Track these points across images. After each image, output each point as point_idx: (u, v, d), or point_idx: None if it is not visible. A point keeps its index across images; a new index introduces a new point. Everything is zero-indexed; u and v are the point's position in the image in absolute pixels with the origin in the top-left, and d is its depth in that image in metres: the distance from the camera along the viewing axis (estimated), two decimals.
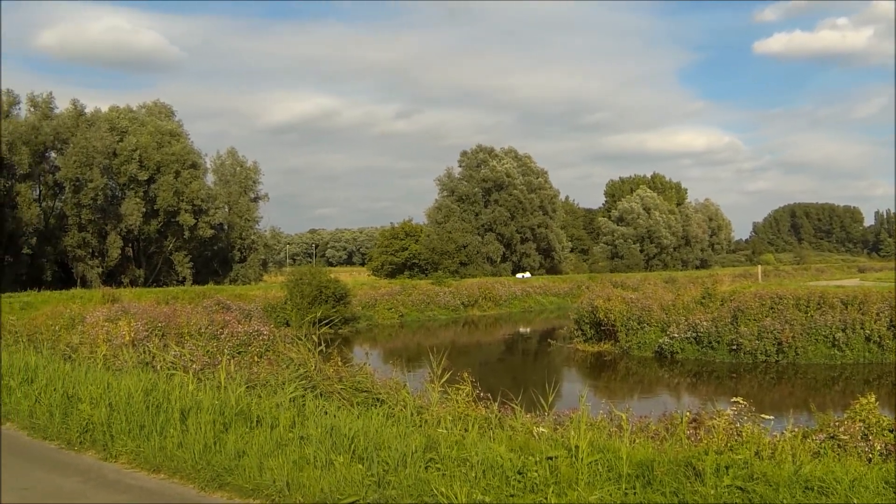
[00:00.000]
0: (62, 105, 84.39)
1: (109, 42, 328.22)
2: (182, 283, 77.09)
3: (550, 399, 11.84)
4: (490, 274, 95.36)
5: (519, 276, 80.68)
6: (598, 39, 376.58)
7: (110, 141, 79.30)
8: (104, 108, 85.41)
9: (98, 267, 77.08)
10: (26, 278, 69.56)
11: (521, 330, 57.96)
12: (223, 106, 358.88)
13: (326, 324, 42.67)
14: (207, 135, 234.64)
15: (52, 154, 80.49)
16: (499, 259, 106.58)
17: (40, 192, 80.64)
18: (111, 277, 74.27)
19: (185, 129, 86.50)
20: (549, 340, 42.49)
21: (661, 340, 33.85)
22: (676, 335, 33.22)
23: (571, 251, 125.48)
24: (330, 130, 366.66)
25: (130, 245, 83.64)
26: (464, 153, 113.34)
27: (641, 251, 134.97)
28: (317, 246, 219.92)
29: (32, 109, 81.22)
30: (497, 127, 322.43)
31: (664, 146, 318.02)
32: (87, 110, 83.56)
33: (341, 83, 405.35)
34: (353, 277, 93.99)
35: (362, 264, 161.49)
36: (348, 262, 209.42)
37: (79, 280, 74.13)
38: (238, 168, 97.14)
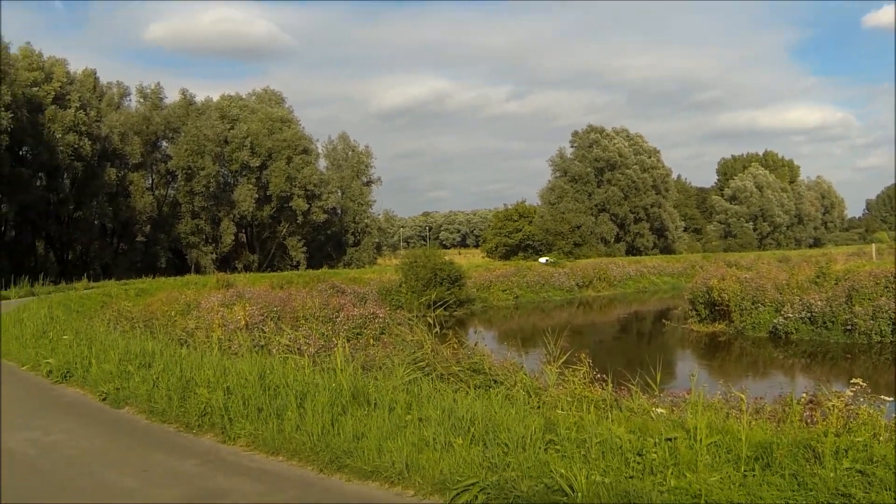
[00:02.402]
0: (172, 95, 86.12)
1: (221, 32, 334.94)
2: (296, 267, 78.09)
3: (665, 380, 11.65)
4: (604, 254, 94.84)
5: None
6: (709, 18, 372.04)
7: (221, 129, 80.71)
8: (215, 98, 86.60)
9: (212, 253, 78.55)
10: (141, 265, 71.18)
11: (636, 310, 57.49)
12: (334, 92, 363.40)
13: (441, 306, 43.05)
14: (319, 121, 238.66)
15: (164, 143, 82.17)
16: (612, 239, 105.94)
17: (153, 180, 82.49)
18: (225, 263, 75.60)
19: (295, 116, 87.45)
20: (663, 321, 42.24)
21: (775, 321, 33.42)
22: (791, 315, 32.80)
23: (685, 231, 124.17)
24: (441, 114, 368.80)
25: (244, 231, 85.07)
26: (575, 133, 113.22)
27: (754, 230, 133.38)
28: (430, 229, 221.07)
29: (142, 100, 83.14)
30: (608, 107, 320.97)
31: (776, 123, 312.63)
32: (197, 100, 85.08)
33: (453, 67, 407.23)
34: (467, 259, 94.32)
35: (476, 246, 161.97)
36: (462, 244, 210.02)
37: (193, 266, 75.66)
38: (350, 152, 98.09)
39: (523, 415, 10.13)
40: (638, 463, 8.39)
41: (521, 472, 8.50)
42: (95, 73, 76.65)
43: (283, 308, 25.49)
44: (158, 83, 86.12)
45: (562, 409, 10.65)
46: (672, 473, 8.06)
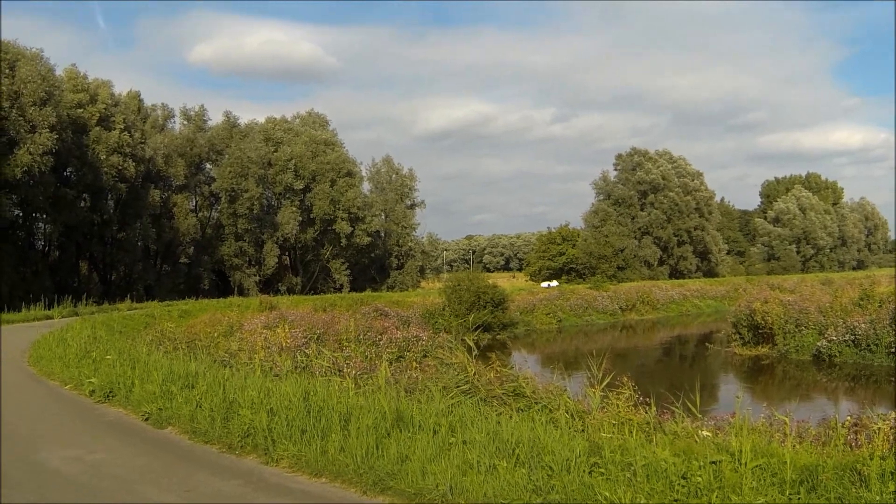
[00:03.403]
0: (215, 117, 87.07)
1: (266, 54, 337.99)
2: (339, 290, 78.47)
3: (709, 403, 11.64)
4: (647, 278, 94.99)
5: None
6: (752, 37, 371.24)
7: (265, 151, 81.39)
8: (260, 120, 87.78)
9: (255, 275, 79.04)
10: (184, 287, 71.75)
11: (679, 333, 57.26)
12: (378, 114, 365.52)
13: (485, 329, 43.00)
14: (363, 143, 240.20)
15: (208, 165, 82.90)
16: (656, 262, 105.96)
17: (196, 202, 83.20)
18: (268, 285, 76.08)
19: (339, 138, 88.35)
20: (706, 344, 42.12)
21: (818, 343, 33.21)
22: (834, 338, 32.69)
23: (728, 253, 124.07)
24: (486, 136, 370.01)
25: (287, 253, 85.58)
26: (619, 156, 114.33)
27: (798, 252, 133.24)
28: (474, 252, 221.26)
29: (186, 122, 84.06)
30: (652, 129, 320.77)
31: (819, 145, 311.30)
32: (241, 122, 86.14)
33: (497, 88, 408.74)
34: (510, 283, 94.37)
35: (519, 269, 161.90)
36: (505, 267, 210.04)
37: (236, 288, 76.16)
38: (394, 175, 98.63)
39: (568, 438, 10.12)
40: (683, 486, 8.40)
41: (565, 495, 8.52)
42: (140, 95, 77.77)
43: (326, 331, 25.61)
44: (202, 105, 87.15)
45: (606, 433, 10.64)
46: (717, 497, 8.06)
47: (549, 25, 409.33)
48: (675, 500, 8.14)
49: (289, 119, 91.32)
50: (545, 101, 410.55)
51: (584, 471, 9.05)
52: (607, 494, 8.22)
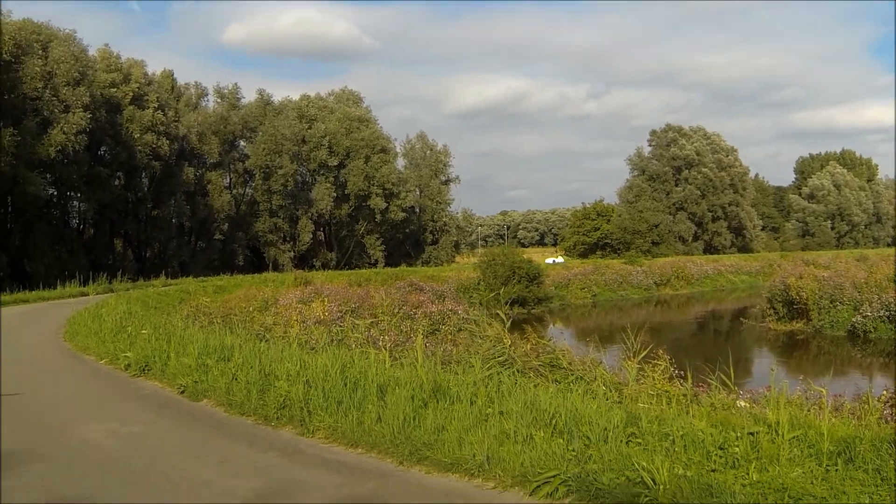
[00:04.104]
0: (249, 96, 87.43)
1: (300, 34, 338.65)
2: (374, 265, 78.67)
3: (743, 377, 11.57)
4: (682, 253, 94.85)
5: (549, 261, 79.16)
6: (788, 15, 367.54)
7: (299, 128, 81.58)
8: (294, 97, 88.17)
9: (290, 251, 79.39)
10: (219, 263, 72.13)
11: (713, 308, 57.08)
12: (413, 92, 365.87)
13: (520, 304, 42.92)
14: (398, 121, 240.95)
15: (241, 143, 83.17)
16: (690, 238, 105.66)
17: (230, 179, 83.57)
18: (303, 261, 76.39)
19: (373, 115, 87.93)
20: (741, 319, 41.99)
21: (853, 319, 32.93)
22: (869, 314, 32.38)
23: (762, 229, 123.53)
24: (520, 113, 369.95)
25: (322, 229, 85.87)
26: (653, 132, 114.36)
27: (832, 229, 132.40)
28: (508, 227, 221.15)
29: (220, 100, 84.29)
30: (686, 106, 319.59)
31: (854, 122, 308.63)
32: (274, 99, 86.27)
33: (532, 66, 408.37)
34: (545, 258, 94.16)
35: (554, 245, 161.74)
36: (540, 243, 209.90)
37: (271, 264, 76.55)
38: (428, 151, 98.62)
39: (605, 409, 10.06)
40: (720, 457, 8.37)
41: (602, 464, 8.47)
42: (173, 75, 78.02)
43: (361, 305, 25.62)
44: (236, 84, 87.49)
45: (643, 404, 10.58)
46: (754, 467, 8.01)
47: (588, 3, 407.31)
48: (713, 471, 8.09)
49: (323, 96, 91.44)
50: (580, 78, 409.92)
51: (621, 441, 9.03)
52: (645, 464, 8.15)
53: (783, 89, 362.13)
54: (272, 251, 79.63)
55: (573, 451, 8.90)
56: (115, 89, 65.18)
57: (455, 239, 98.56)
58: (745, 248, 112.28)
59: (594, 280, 62.95)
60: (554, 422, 9.74)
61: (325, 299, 25.56)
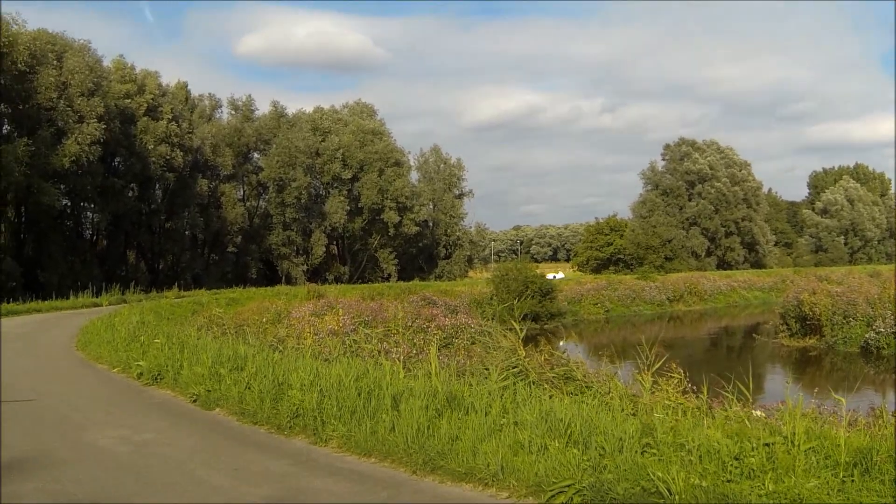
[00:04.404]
0: (263, 107, 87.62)
1: (314, 46, 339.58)
2: (387, 279, 78.70)
3: (756, 393, 11.54)
4: (695, 268, 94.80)
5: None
6: (801, 26, 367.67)
7: (313, 141, 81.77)
8: (308, 109, 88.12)
9: (303, 264, 79.48)
10: (232, 276, 72.28)
11: (726, 325, 57.00)
12: (427, 105, 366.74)
13: (532, 319, 42.88)
14: (411, 135, 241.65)
15: (255, 155, 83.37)
16: (703, 253, 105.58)
17: (244, 192, 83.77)
18: (316, 275, 76.42)
19: (387, 128, 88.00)
20: (753, 335, 41.97)
21: (866, 335, 32.79)
22: (882, 330, 32.09)
23: (775, 245, 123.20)
24: (535, 127, 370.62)
25: (335, 243, 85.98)
26: (667, 146, 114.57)
27: (845, 244, 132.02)
28: (521, 242, 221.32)
29: (234, 112, 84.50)
30: (701, 120, 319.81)
31: (868, 136, 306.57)
32: (288, 111, 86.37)
33: (546, 79, 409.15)
34: (549, 273, 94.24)
35: (567, 260, 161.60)
36: (553, 258, 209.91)
37: (284, 277, 76.64)
38: (442, 165, 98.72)
39: (620, 419, 10.08)
40: (735, 467, 8.35)
41: (617, 474, 8.46)
42: (187, 86, 78.28)
43: (374, 318, 25.58)
44: (250, 95, 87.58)
45: (658, 414, 10.57)
46: (770, 478, 7.99)
47: (600, 15, 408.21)
48: (728, 481, 8.07)
49: (337, 109, 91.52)
50: (595, 91, 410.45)
51: (636, 451, 9.02)
52: (660, 474, 8.13)
53: (797, 102, 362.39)
54: (285, 264, 79.74)
55: (588, 460, 8.89)
56: (129, 100, 65.38)
57: (468, 253, 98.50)
58: (757, 264, 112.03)
59: (607, 296, 62.87)
60: (569, 432, 9.74)
61: (339, 310, 25.54)
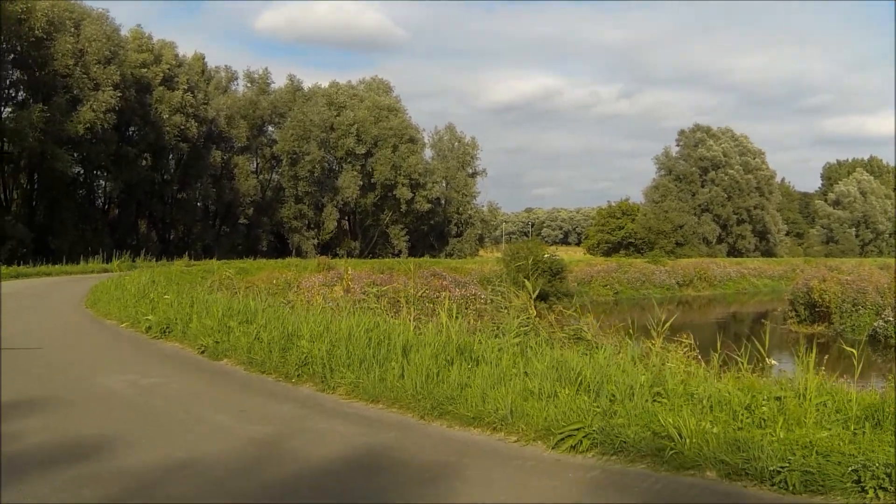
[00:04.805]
0: (279, 81, 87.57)
1: (332, 23, 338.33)
2: (398, 255, 78.52)
3: (761, 371, 11.42)
4: (705, 255, 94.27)
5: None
6: (819, 19, 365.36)
7: (328, 115, 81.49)
8: (324, 84, 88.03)
9: (314, 238, 79.41)
10: (242, 248, 72.34)
11: (735, 311, 56.90)
12: (444, 85, 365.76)
13: (541, 299, 42.79)
14: (427, 114, 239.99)
15: (270, 128, 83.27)
16: (714, 240, 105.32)
17: (258, 164, 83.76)
18: (327, 249, 76.42)
19: (402, 105, 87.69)
20: (762, 321, 41.81)
21: (875, 324, 32.63)
22: (890, 318, 31.89)
23: (787, 234, 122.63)
24: (551, 110, 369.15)
25: (346, 217, 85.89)
26: (682, 132, 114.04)
27: (857, 236, 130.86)
28: (532, 225, 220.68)
29: (249, 85, 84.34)
30: (718, 109, 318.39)
31: (883, 130, 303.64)
32: (304, 86, 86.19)
33: (564, 63, 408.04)
34: (568, 255, 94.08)
35: (578, 244, 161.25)
36: (564, 241, 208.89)
37: (294, 251, 76.52)
38: (456, 143, 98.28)
39: (631, 369, 10.04)
40: (747, 417, 8.31)
41: (627, 419, 8.42)
42: (204, 58, 78.22)
43: (384, 287, 25.53)
44: (266, 68, 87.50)
45: (670, 364, 10.55)
46: (781, 427, 7.91)
47: (622, 1, 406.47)
48: (739, 429, 8.00)
49: (353, 84, 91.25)
50: (612, 76, 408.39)
51: (647, 398, 8.97)
52: (671, 420, 8.05)
53: (814, 95, 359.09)
54: (296, 238, 79.75)
55: (598, 407, 8.84)
56: (145, 69, 65.45)
57: (479, 232, 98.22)
58: (768, 253, 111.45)
59: (616, 278, 63.01)
60: (579, 380, 9.70)
61: (349, 270, 25.54)
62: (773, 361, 10.57)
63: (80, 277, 38.36)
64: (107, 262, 45.80)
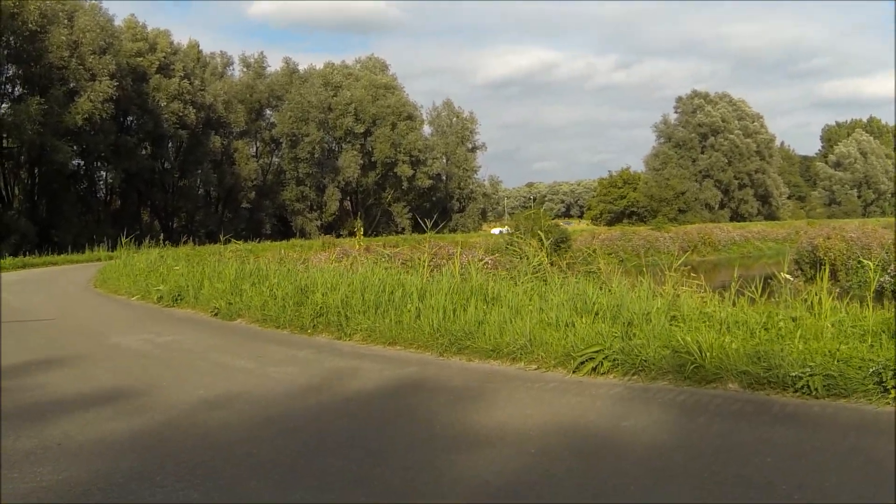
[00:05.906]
0: (275, 65, 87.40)
1: (326, 5, 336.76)
2: (401, 233, 78.26)
3: None
4: (708, 221, 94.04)
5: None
6: None
7: (325, 96, 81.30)
8: (319, 65, 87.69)
9: (317, 219, 79.34)
10: (246, 232, 72.14)
11: (740, 274, 56.82)
12: (441, 63, 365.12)
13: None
14: (425, 93, 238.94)
15: (268, 111, 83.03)
16: (716, 206, 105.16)
17: (257, 148, 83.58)
18: (330, 229, 76.22)
19: (399, 83, 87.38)
20: (767, 281, 41.78)
21: (880, 279, 32.61)
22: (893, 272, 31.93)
23: (789, 198, 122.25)
24: (548, 84, 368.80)
25: (348, 198, 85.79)
26: (679, 99, 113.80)
27: (859, 197, 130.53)
28: (534, 199, 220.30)
29: (245, 69, 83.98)
30: (714, 76, 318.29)
31: (881, 91, 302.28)
32: (300, 68, 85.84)
33: (560, 36, 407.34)
34: (572, 227, 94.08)
35: (580, 216, 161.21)
36: (566, 214, 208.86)
37: (298, 233, 76.42)
38: (454, 119, 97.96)
39: (646, 298, 10.10)
40: (764, 335, 8.36)
41: (646, 340, 8.45)
42: (198, 45, 77.96)
43: (392, 259, 25.60)
44: (261, 52, 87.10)
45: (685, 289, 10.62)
46: (800, 339, 7.97)
47: None
48: (758, 345, 8.02)
49: (348, 64, 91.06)
50: (608, 48, 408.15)
51: (664, 321, 9.04)
52: (689, 339, 8.08)
53: (811, 59, 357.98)
54: (299, 220, 79.70)
55: (616, 332, 8.89)
56: (141, 58, 65.25)
57: (482, 206, 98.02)
58: (771, 217, 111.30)
59: (621, 246, 62.56)
60: (596, 309, 9.79)
61: (361, 228, 25.69)
62: (788, 276, 10.46)
63: (85, 265, 38.50)
64: (111, 251, 45.87)
